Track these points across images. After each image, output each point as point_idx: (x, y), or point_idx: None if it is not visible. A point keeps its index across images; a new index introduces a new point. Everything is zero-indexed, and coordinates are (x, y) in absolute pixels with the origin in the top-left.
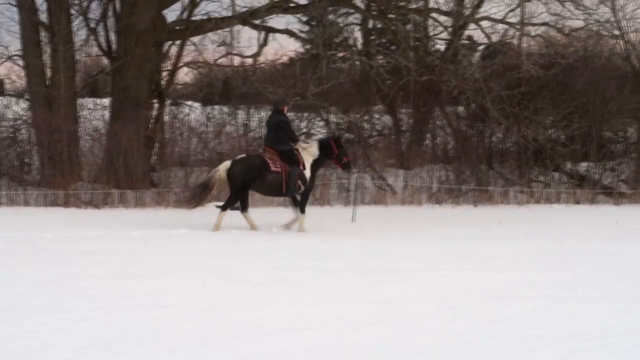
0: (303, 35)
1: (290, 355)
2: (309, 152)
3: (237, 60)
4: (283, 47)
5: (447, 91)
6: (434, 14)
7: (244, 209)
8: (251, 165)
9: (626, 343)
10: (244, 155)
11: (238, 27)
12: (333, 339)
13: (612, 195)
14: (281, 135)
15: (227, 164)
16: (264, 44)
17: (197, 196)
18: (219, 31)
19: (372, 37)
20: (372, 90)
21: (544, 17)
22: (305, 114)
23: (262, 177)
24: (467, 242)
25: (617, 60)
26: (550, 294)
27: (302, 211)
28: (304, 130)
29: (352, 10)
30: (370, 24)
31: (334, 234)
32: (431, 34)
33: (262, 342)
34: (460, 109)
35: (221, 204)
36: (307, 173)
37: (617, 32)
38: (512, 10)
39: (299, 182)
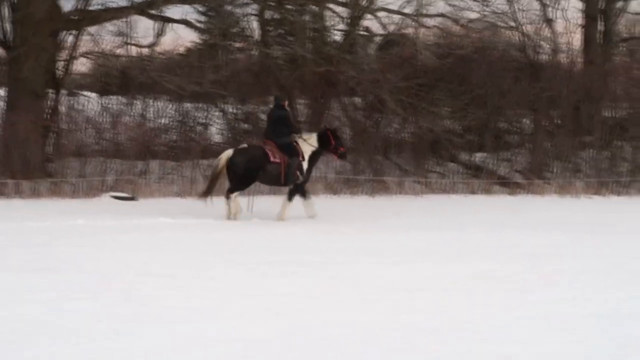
0: (200, 25)
1: (192, 347)
2: (308, 144)
3: (134, 51)
4: (180, 37)
5: (344, 82)
6: (331, 5)
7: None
8: (252, 155)
9: (526, 333)
10: (245, 145)
11: (135, 17)
12: (238, 331)
13: (508, 185)
14: (281, 129)
15: (229, 152)
16: (161, 34)
17: (209, 187)
18: (116, 21)
19: (270, 28)
20: (270, 81)
21: (441, 8)
22: (202, 104)
23: (263, 167)
24: (367, 234)
25: (513, 52)
26: (454, 286)
27: (290, 199)
28: (202, 120)
29: (249, 1)
30: (268, 14)
31: (234, 224)
32: (328, 24)
33: (166, 334)
34: (358, 99)
35: (118, 194)
36: (305, 165)
37: (513, 24)
38: (408, 1)
39: (297, 172)
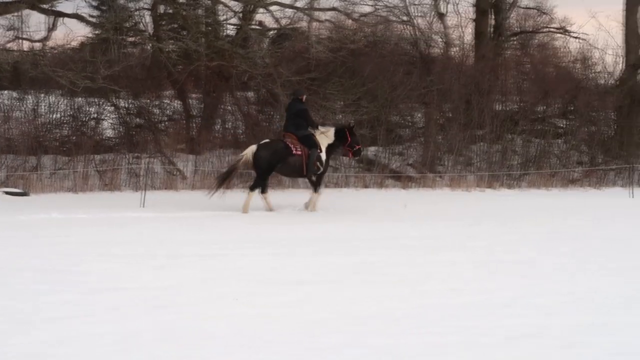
0: (93, 19)
1: (72, 342)
2: (326, 137)
3: (26, 45)
4: (73, 32)
5: (237, 76)
6: None
7: (263, 190)
8: (275, 149)
9: (405, 325)
10: (267, 140)
11: (27, 11)
12: (115, 325)
13: (401, 179)
14: (301, 122)
15: (253, 148)
16: (53, 28)
17: (223, 181)
18: (7, 15)
19: (163, 22)
20: (163, 75)
21: (333, 1)
22: (95, 99)
23: (285, 160)
24: (252, 227)
25: (405, 46)
26: (333, 278)
27: (316, 191)
28: (94, 115)
29: None
30: (161, 9)
31: (124, 219)
32: (222, 18)
33: (45, 330)
34: (251, 94)
35: (10, 190)
36: (323, 156)
37: (405, 18)
38: None
39: (317, 163)
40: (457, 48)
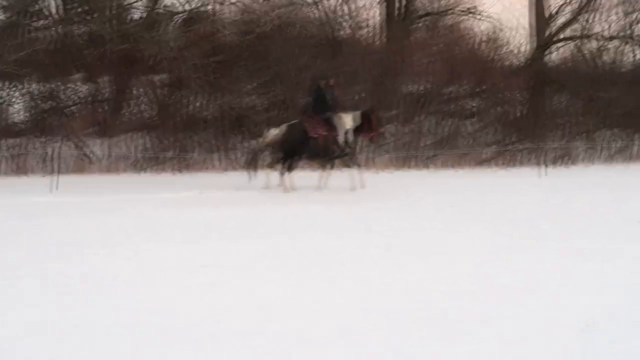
0: (1, 2)
1: None
2: (350, 119)
3: None
4: None
5: (145, 60)
6: None
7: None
8: (299, 130)
9: (312, 312)
10: (289, 123)
11: None
12: (20, 314)
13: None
14: (323, 106)
15: (280, 128)
16: None
17: (252, 161)
18: None
19: (70, 6)
20: (71, 59)
21: None
22: (3, 83)
23: (306, 142)
24: (164, 211)
25: (312, 28)
26: (240, 264)
27: (358, 165)
28: (2, 99)
29: None
30: None
31: (33, 206)
32: (128, 2)
33: None
34: (158, 77)
35: None
36: (341, 138)
37: (311, 0)
38: None
39: (336, 145)
40: (366, 30)
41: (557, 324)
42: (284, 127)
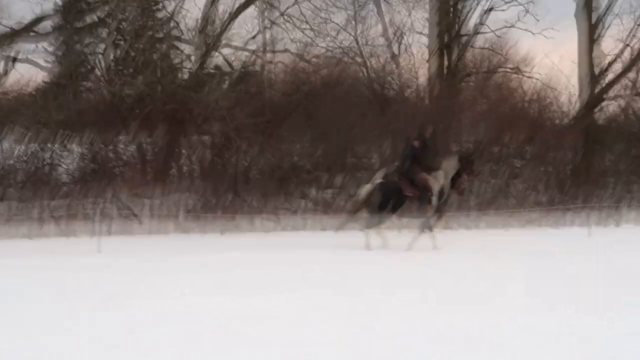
0: (48, 64)
1: None
2: (447, 170)
3: None
4: (25, 77)
5: (193, 120)
6: (177, 43)
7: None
8: (388, 189)
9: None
10: (382, 180)
11: None
12: None
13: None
14: (410, 165)
15: (368, 187)
16: (5, 73)
17: (353, 212)
18: None
19: (119, 67)
20: (118, 120)
21: (287, 44)
22: (50, 145)
23: (398, 200)
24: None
25: (360, 87)
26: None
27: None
28: (48, 160)
29: (97, 40)
30: (117, 53)
31: (77, 264)
32: (176, 62)
33: None
34: (206, 137)
35: None
36: (435, 200)
37: (359, 59)
38: (253, 38)
39: (428, 206)
40: (412, 89)
41: None
42: (369, 185)
